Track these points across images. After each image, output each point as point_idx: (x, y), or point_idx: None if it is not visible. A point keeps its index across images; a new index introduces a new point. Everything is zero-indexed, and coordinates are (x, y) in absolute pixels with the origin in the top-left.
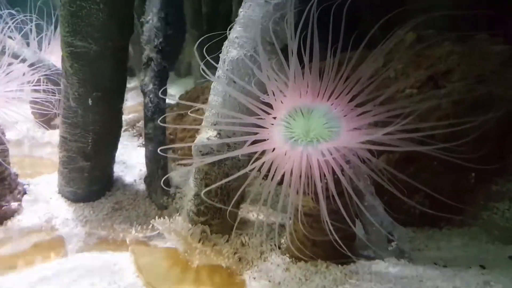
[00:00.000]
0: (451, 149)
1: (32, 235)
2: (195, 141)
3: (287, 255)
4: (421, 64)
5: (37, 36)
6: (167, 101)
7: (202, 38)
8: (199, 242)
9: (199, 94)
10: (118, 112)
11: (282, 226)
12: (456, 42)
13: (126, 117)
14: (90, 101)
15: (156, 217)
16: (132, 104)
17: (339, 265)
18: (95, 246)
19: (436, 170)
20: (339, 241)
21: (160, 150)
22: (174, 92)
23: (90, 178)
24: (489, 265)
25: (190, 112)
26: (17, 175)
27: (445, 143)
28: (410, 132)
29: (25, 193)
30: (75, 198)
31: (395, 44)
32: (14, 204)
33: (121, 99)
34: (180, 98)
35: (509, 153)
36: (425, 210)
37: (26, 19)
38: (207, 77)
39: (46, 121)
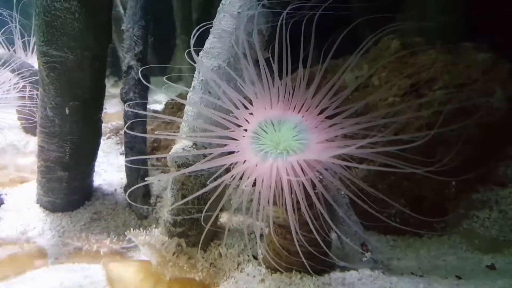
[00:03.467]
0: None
1: (7, 246)
2: (170, 152)
3: (264, 265)
4: (405, 72)
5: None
6: (154, 107)
7: None
8: (173, 255)
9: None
10: (96, 122)
11: (260, 235)
12: (442, 50)
13: (109, 124)
14: (67, 111)
15: (131, 229)
16: (117, 110)
17: (313, 277)
18: (70, 258)
19: (418, 179)
20: (312, 253)
21: (140, 159)
22: (163, 98)
23: (69, 188)
24: (466, 274)
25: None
26: None
27: (424, 152)
28: (386, 145)
29: (2, 203)
30: (53, 208)
31: (381, 51)
32: None
33: (99, 109)
34: (166, 104)
35: (492, 161)
36: (394, 225)
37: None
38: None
39: (33, 128)
